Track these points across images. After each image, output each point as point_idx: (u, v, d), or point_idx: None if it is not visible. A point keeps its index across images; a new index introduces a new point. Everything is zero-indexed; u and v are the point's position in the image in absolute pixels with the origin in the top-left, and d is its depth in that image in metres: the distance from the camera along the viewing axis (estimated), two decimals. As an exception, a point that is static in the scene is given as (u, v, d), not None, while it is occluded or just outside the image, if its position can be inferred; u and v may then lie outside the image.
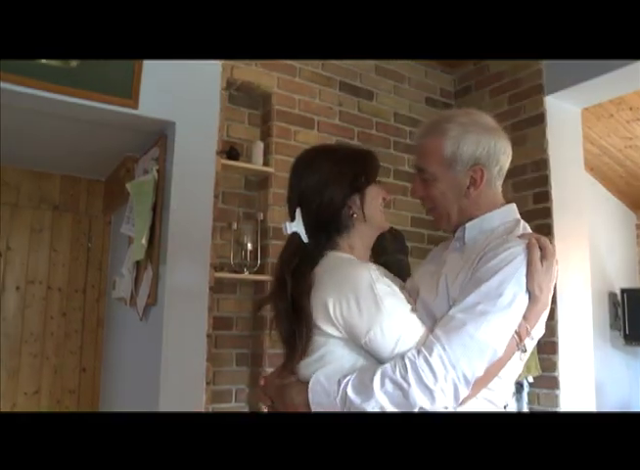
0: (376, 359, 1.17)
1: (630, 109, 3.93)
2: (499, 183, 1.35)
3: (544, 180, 3.23)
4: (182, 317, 2.38)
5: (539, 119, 3.29)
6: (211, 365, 2.51)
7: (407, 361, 1.10)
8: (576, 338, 3.20)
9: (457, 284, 1.22)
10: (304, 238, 1.28)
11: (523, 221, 1.31)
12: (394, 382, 1.09)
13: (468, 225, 1.31)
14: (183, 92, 2.49)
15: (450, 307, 1.18)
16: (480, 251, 1.22)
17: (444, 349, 1.10)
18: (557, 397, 3.07)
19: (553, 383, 3.09)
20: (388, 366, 1.11)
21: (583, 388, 3.19)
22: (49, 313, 3.32)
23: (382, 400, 1.09)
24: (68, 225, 3.44)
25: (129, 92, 2.37)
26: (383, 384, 1.10)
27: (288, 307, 1.22)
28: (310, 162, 1.33)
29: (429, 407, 1.10)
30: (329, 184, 1.27)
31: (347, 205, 1.28)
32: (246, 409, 2.92)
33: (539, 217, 3.17)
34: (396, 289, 1.21)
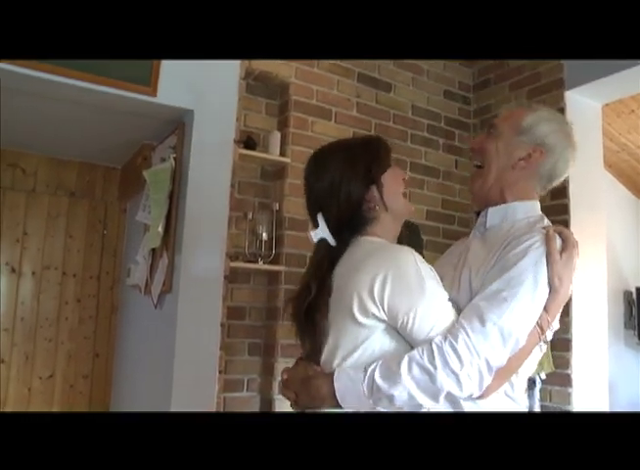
0: (408, 345, 1.17)
1: (651, 105, 3.87)
2: (544, 184, 1.37)
3: (562, 176, 3.19)
4: (196, 306, 2.38)
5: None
6: (224, 354, 2.51)
7: (434, 347, 1.11)
8: (591, 336, 3.17)
9: (479, 275, 1.23)
10: (332, 242, 1.28)
11: (546, 218, 1.32)
12: (421, 366, 1.10)
13: (491, 210, 1.33)
14: (202, 81, 2.48)
15: (472, 298, 1.19)
16: (504, 240, 1.23)
17: (468, 335, 1.11)
18: (569, 394, 3.05)
19: (566, 380, 3.07)
20: (415, 352, 1.12)
21: (596, 386, 3.17)
22: (64, 299, 3.34)
23: (409, 385, 1.10)
24: (84, 212, 3.46)
25: (148, 80, 2.37)
26: (410, 369, 1.11)
27: (307, 311, 1.24)
28: (319, 165, 1.32)
29: (456, 392, 1.11)
30: (342, 183, 1.26)
31: (366, 199, 1.27)
32: (257, 399, 2.93)
33: (556, 214, 3.13)
34: (436, 273, 1.21)
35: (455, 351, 1.10)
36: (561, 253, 1.19)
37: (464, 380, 1.10)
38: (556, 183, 1.39)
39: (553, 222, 3.16)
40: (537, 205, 1.36)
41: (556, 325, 1.26)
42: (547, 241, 1.19)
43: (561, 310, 1.22)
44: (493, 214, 1.33)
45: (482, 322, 1.12)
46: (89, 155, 3.37)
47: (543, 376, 3.09)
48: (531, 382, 3.09)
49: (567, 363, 3.08)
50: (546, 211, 3.30)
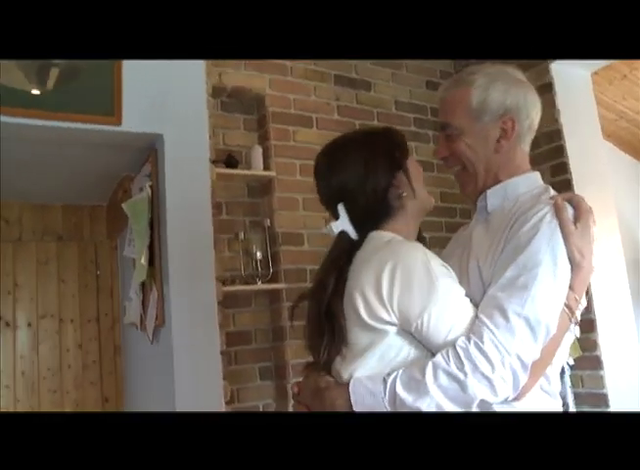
0: (426, 351, 1.06)
1: (642, 68, 3.73)
2: (529, 141, 1.25)
3: (560, 151, 3.05)
4: (192, 337, 2.26)
5: (547, 89, 3.11)
6: (229, 383, 2.38)
7: (460, 350, 0.99)
8: (615, 313, 3.01)
9: (489, 263, 1.11)
10: (353, 235, 1.18)
11: (551, 188, 1.20)
12: (449, 374, 0.98)
13: (489, 192, 1.20)
14: (167, 103, 2.38)
15: (485, 291, 1.07)
16: (509, 219, 1.11)
17: (493, 333, 0.99)
18: (602, 377, 2.88)
19: (595, 363, 2.91)
20: (439, 357, 1.00)
21: (629, 365, 2.99)
22: (64, 346, 3.25)
23: (437, 396, 0.98)
24: (75, 254, 3.38)
25: (111, 108, 2.28)
26: (436, 377, 0.99)
27: (324, 308, 1.13)
28: (340, 154, 1.23)
29: (490, 398, 0.99)
30: (369, 169, 1.18)
31: (394, 184, 1.19)
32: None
33: (560, 190, 2.96)
34: (450, 269, 1.10)
35: (483, 352, 0.98)
36: (575, 222, 1.07)
37: (498, 384, 0.98)
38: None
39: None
40: (537, 175, 1.25)
41: (584, 303, 1.13)
42: (557, 212, 1.07)
43: (586, 287, 1.10)
44: (493, 196, 1.21)
45: (505, 316, 1.00)
46: (71, 196, 3.29)
47: (571, 361, 2.94)
48: (560, 369, 2.94)
49: (594, 345, 2.92)
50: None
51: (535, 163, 3.05)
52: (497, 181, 1.21)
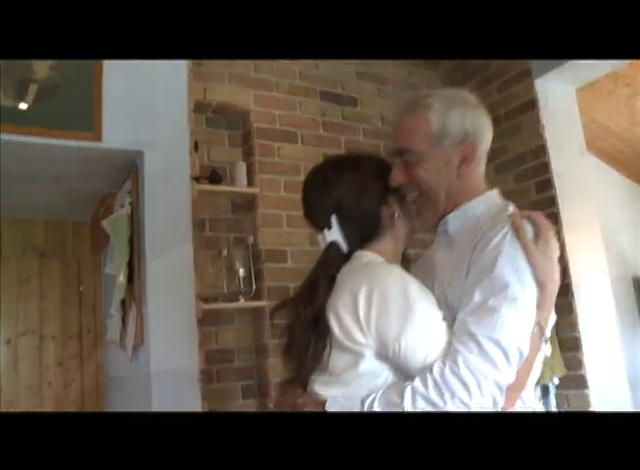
0: (403, 374, 1.05)
1: (627, 85, 3.74)
2: (484, 162, 1.23)
3: (544, 168, 3.05)
4: (171, 355, 2.23)
5: (532, 105, 3.13)
6: (210, 403, 2.35)
7: (437, 376, 0.98)
8: (600, 331, 2.99)
9: (454, 287, 1.10)
10: (344, 247, 1.18)
11: (512, 204, 1.18)
12: (427, 400, 0.98)
13: (450, 217, 1.18)
14: (148, 120, 2.37)
15: (454, 315, 1.06)
16: (471, 242, 1.09)
17: (468, 358, 0.98)
18: (587, 396, 2.86)
19: (581, 382, 2.89)
20: (417, 383, 0.99)
21: (615, 384, 2.97)
22: (44, 364, 3.19)
23: None
24: (57, 270, 3.33)
25: (91, 125, 2.26)
26: (414, 402, 0.99)
27: (311, 316, 1.12)
28: (337, 170, 1.24)
29: None
30: (366, 187, 1.20)
31: (387, 205, 1.20)
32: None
33: (544, 207, 2.98)
34: (429, 292, 1.09)
35: (459, 378, 0.97)
36: (536, 240, 1.06)
37: (475, 410, 0.97)
38: None
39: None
40: (495, 193, 1.22)
41: (552, 321, 1.12)
42: (516, 232, 1.06)
43: (553, 304, 1.09)
44: (454, 220, 1.19)
45: (477, 341, 0.99)
46: (54, 211, 3.26)
47: (556, 380, 2.92)
48: (545, 388, 2.91)
49: (579, 364, 2.90)
50: (533, 205, 3.17)
51: (521, 180, 3.12)
52: (457, 205, 1.19)
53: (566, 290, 2.88)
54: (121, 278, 2.32)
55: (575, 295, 2.89)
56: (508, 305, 1.01)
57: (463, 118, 1.17)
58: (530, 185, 3.11)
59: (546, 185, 3.04)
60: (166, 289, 2.28)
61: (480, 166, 1.22)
